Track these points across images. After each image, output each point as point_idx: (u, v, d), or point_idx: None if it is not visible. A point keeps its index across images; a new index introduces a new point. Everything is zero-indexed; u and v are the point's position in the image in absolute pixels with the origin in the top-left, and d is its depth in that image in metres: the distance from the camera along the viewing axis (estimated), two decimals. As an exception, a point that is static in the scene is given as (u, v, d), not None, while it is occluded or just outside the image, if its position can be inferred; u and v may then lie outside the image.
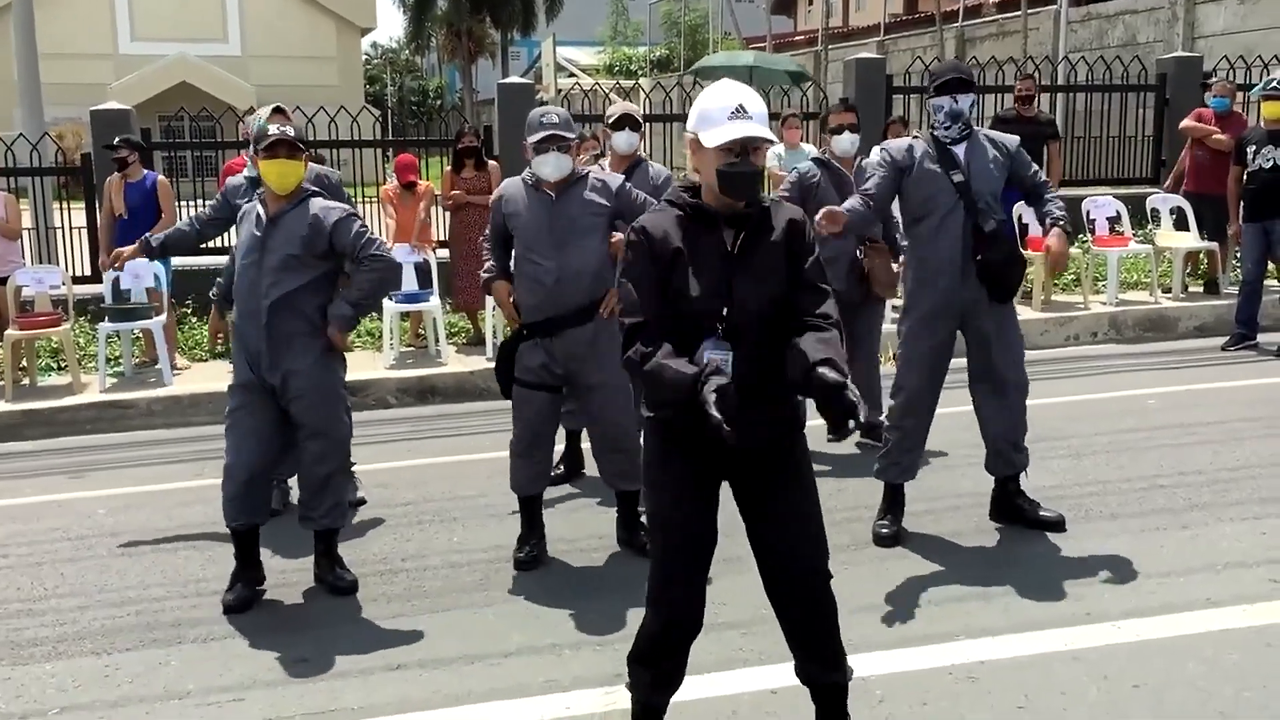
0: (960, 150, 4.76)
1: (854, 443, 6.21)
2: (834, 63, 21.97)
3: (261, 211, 4.47)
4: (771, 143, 2.95)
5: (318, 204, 4.47)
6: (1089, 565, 4.60)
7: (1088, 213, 10.18)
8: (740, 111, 2.86)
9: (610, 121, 5.63)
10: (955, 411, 5.76)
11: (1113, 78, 12.75)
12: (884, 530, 4.98)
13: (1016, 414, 4.96)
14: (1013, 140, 4.90)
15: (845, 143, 6.05)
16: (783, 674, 3.46)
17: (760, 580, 3.09)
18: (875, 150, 9.30)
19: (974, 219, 4.72)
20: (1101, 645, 3.91)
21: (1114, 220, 10.21)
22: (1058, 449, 6.10)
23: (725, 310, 2.87)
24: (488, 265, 4.95)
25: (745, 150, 2.86)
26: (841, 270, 5.97)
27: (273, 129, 4.36)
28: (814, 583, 3.02)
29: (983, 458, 5.15)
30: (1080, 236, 10.41)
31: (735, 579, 4.10)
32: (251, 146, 4.57)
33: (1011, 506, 5.10)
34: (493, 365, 4.89)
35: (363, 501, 5.74)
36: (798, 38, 29.64)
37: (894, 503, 5.06)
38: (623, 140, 5.54)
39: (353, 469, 5.70)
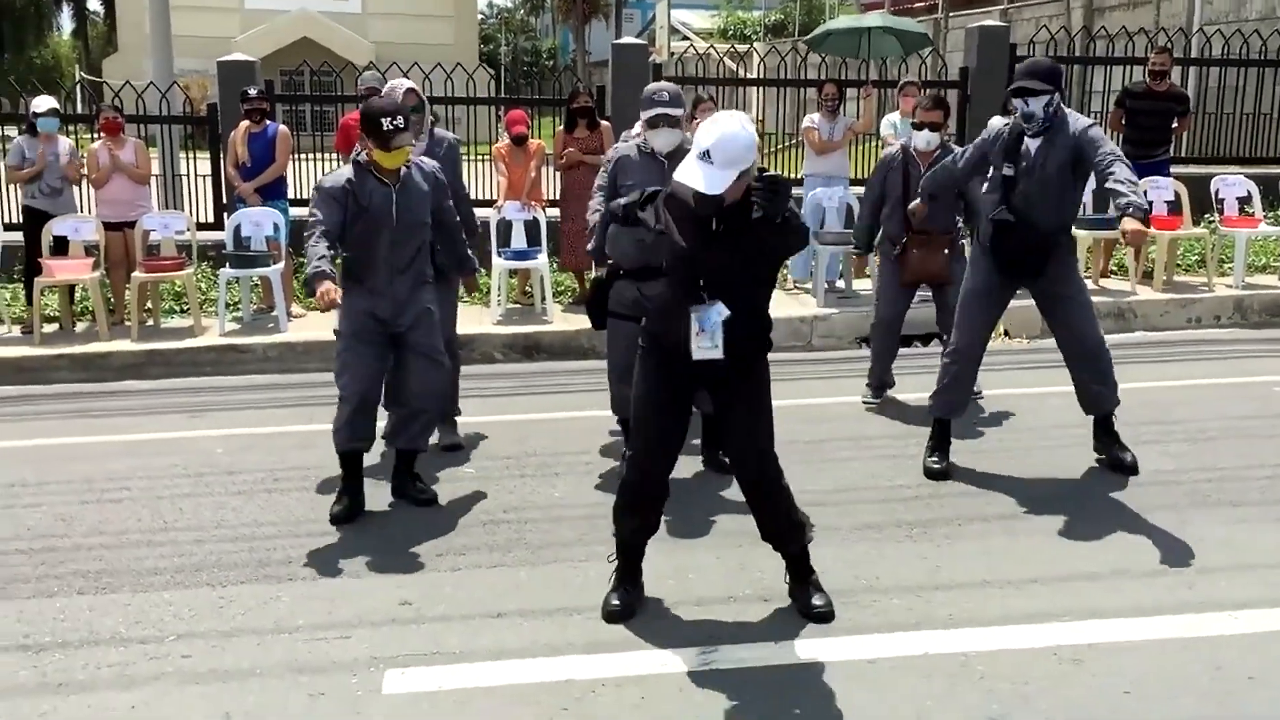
0: (1035, 144, 5.02)
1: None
2: (954, 30, 21.42)
3: (376, 182, 4.86)
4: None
5: (426, 165, 5.08)
6: (1204, 552, 4.46)
7: (1216, 192, 9.78)
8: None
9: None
10: (1061, 391, 5.63)
11: (1249, 52, 12.19)
12: (935, 465, 5.38)
13: (1097, 363, 5.26)
14: (1083, 123, 4.94)
15: (922, 140, 6.37)
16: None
17: (783, 561, 3.99)
18: (995, 120, 9.16)
19: (1003, 209, 5.09)
20: (1215, 635, 3.80)
21: (1244, 200, 9.79)
22: (1174, 433, 5.91)
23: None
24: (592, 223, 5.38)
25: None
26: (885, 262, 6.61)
27: (385, 124, 4.70)
28: (761, 461, 3.83)
29: (1086, 439, 5.52)
30: (1207, 216, 10.04)
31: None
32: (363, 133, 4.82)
33: (1098, 443, 5.48)
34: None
35: (459, 447, 5.91)
36: (917, 4, 28.87)
37: (942, 439, 5.47)
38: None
39: (456, 417, 6.00)
